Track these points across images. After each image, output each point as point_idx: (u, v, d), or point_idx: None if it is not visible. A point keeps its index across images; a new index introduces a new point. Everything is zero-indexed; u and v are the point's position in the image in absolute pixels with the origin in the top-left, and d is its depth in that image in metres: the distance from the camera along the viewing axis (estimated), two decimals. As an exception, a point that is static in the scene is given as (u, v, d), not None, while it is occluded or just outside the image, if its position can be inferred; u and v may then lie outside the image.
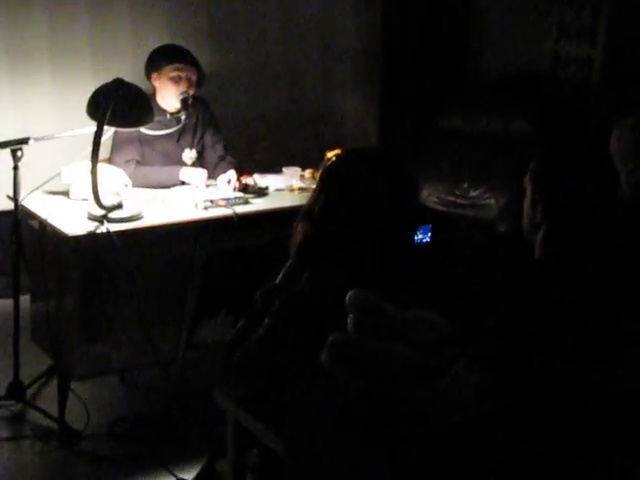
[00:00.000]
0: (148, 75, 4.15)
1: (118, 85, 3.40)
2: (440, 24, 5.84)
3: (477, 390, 1.13)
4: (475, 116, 5.23)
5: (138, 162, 4.05)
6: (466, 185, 5.01)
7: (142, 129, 3.72)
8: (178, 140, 4.18)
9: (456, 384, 1.10)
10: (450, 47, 5.89)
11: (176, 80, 4.05)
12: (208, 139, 4.31)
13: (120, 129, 3.59)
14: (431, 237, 2.71)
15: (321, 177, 2.23)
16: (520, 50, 5.45)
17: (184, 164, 4.16)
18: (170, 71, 4.05)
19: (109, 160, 4.02)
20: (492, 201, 4.86)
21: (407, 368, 1.14)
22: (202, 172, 4.06)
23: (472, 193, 4.98)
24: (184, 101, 4.03)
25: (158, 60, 4.11)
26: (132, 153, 4.04)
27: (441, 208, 5.00)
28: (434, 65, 5.84)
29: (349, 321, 1.44)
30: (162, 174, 4.04)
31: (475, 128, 5.19)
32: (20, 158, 3.46)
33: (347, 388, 1.36)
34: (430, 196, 5.09)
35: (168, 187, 3.95)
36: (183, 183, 4.02)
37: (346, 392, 1.35)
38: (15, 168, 3.46)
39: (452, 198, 5.04)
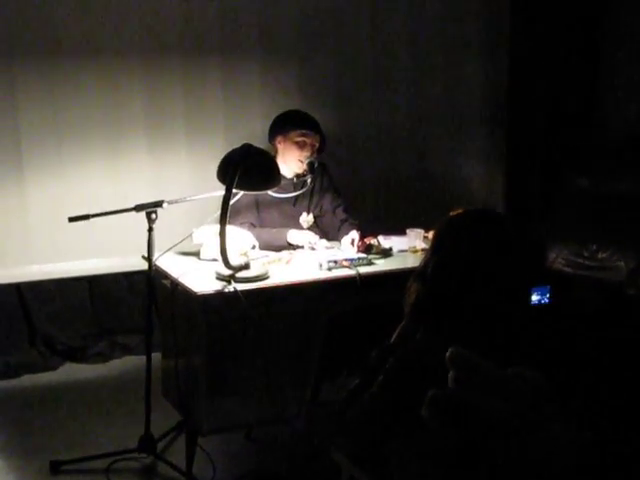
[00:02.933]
0: (272, 138, 4.27)
1: (246, 150, 3.51)
2: (569, 80, 5.80)
3: (575, 447, 1.14)
4: (604, 177, 5.16)
5: (252, 225, 4.14)
6: (594, 247, 4.92)
7: (269, 192, 3.83)
8: (294, 204, 4.28)
9: (553, 443, 1.11)
10: (579, 104, 5.83)
11: (301, 145, 4.16)
12: (327, 203, 4.37)
13: (247, 193, 3.71)
14: (550, 298, 2.68)
15: (434, 237, 2.26)
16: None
17: (301, 227, 4.24)
18: (296, 136, 4.17)
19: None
20: (621, 263, 4.76)
21: (505, 424, 1.16)
22: (310, 234, 4.11)
23: (601, 255, 4.89)
24: (311, 165, 4.14)
25: (285, 124, 4.24)
26: (247, 216, 4.13)
27: (568, 270, 4.92)
28: (562, 124, 5.79)
29: (449, 378, 1.47)
30: (271, 235, 4.10)
31: (604, 189, 5.11)
32: (154, 220, 3.64)
33: (445, 444, 1.38)
34: (557, 257, 5.02)
35: (278, 249, 4.01)
36: (290, 245, 4.08)
37: (444, 448, 1.38)
38: (150, 230, 3.63)
39: (580, 260, 4.96)
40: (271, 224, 4.21)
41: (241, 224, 4.06)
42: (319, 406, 3.56)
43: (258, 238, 3.97)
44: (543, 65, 5.78)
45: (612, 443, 1.25)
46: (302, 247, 4.05)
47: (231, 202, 3.48)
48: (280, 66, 5.30)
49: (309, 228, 4.27)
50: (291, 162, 4.20)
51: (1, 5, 4.61)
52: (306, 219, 4.30)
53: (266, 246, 4.02)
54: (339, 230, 4.27)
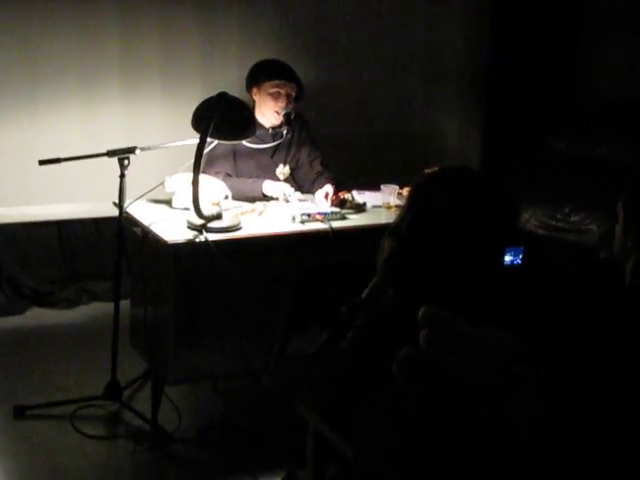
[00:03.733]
0: (248, 89, 4.22)
1: (222, 99, 3.46)
2: (550, 43, 5.77)
3: (542, 411, 1.13)
4: (581, 139, 5.15)
5: (228, 175, 4.10)
6: (568, 209, 4.93)
7: (244, 142, 3.79)
8: (272, 156, 4.24)
9: (523, 403, 1.10)
10: (560, 67, 5.81)
11: (275, 96, 4.10)
12: (304, 156, 4.33)
13: (221, 142, 3.67)
14: (523, 259, 2.67)
15: (409, 194, 2.23)
16: (636, 75, 5.34)
17: (277, 179, 4.21)
18: (270, 87, 4.11)
19: (205, 171, 4.11)
20: (594, 227, 4.77)
21: (475, 384, 1.15)
22: (285, 186, 4.08)
23: (573, 218, 4.90)
24: (287, 116, 4.09)
25: (258, 75, 4.18)
26: (223, 166, 4.09)
27: (541, 232, 4.93)
28: (541, 85, 5.78)
29: (421, 336, 1.46)
30: (246, 186, 4.07)
31: (580, 152, 5.11)
32: (127, 167, 3.59)
33: (415, 401, 1.38)
34: (530, 219, 5.03)
35: (252, 199, 3.98)
36: (265, 196, 4.05)
37: (414, 405, 1.37)
38: (121, 176, 3.59)
39: (553, 222, 4.97)
40: (247, 174, 4.18)
41: (216, 173, 4.02)
42: (287, 359, 3.56)
43: (233, 188, 3.93)
44: (524, 24, 5.75)
45: (581, 410, 1.25)
46: (276, 199, 4.01)
47: (206, 150, 3.44)
48: (258, 13, 5.22)
49: (285, 180, 4.23)
50: (267, 113, 4.15)
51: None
52: (282, 171, 4.26)
53: (241, 196, 3.99)
54: (314, 183, 4.23)
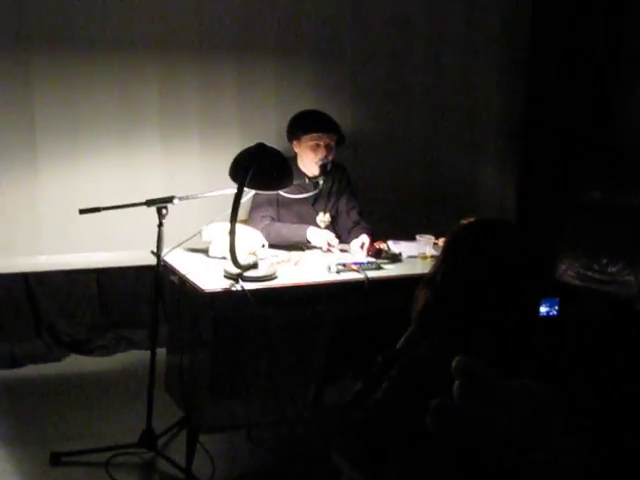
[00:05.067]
0: (289, 141, 4.30)
1: (259, 150, 3.51)
2: (588, 91, 5.79)
3: (577, 461, 1.13)
4: (616, 190, 5.14)
5: (273, 219, 4.18)
6: (605, 261, 4.90)
7: (281, 192, 3.84)
8: (313, 204, 4.30)
9: (556, 455, 1.10)
10: (598, 116, 5.81)
11: (314, 148, 4.17)
12: (343, 205, 4.39)
13: (259, 192, 3.71)
14: (559, 311, 2.67)
15: (445, 245, 2.24)
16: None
17: (318, 227, 4.25)
18: (308, 140, 4.19)
19: (247, 220, 4.17)
20: (632, 278, 4.73)
21: (507, 435, 1.15)
22: (328, 234, 4.13)
23: (611, 269, 4.87)
24: (323, 167, 4.14)
25: (296, 129, 4.26)
26: (268, 210, 4.18)
27: (578, 283, 4.90)
28: (579, 134, 5.78)
29: (454, 387, 1.46)
30: (291, 231, 4.15)
31: (616, 202, 5.09)
32: (165, 216, 3.63)
33: (448, 451, 1.37)
34: (567, 270, 5.00)
35: (297, 244, 4.06)
36: (309, 242, 4.10)
37: (447, 455, 1.36)
38: (160, 225, 3.63)
39: (590, 273, 4.94)
40: (289, 221, 4.25)
41: (262, 217, 4.12)
42: (321, 408, 3.55)
43: (278, 232, 4.00)
44: (561, 79, 5.78)
45: (618, 457, 1.24)
46: (319, 248, 4.07)
47: (246, 198, 3.47)
48: (296, 65, 5.30)
49: (325, 228, 4.28)
50: (308, 164, 4.22)
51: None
52: (323, 219, 4.32)
53: (285, 240, 4.07)
54: (350, 232, 4.27)
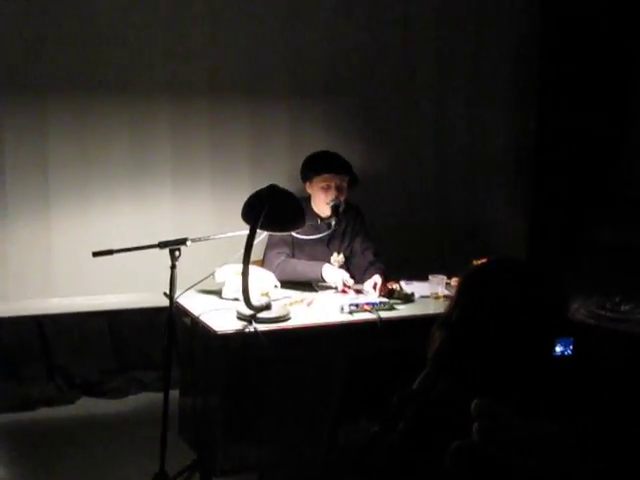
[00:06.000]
0: (302, 182, 4.34)
1: (271, 191, 3.52)
2: (599, 131, 5.78)
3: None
4: (628, 227, 5.14)
5: (288, 255, 4.23)
6: (618, 299, 4.88)
7: (293, 233, 3.86)
8: (327, 244, 4.31)
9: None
10: (609, 156, 5.82)
11: (325, 189, 4.20)
12: (357, 245, 4.42)
13: (271, 233, 3.73)
14: (573, 350, 2.66)
15: (459, 286, 2.24)
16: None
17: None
18: (320, 181, 4.23)
19: (261, 261, 4.18)
20: (646, 315, 4.71)
21: (525, 477, 1.15)
22: (344, 273, 4.14)
23: (624, 307, 4.84)
24: (335, 208, 4.16)
25: (307, 171, 4.31)
26: (284, 248, 4.22)
27: (591, 321, 4.88)
28: (589, 175, 5.78)
29: (474, 429, 1.46)
30: (307, 267, 4.18)
31: (628, 240, 5.09)
32: (177, 258, 3.63)
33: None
34: (580, 308, 4.98)
35: (311, 281, 4.10)
36: (324, 280, 4.13)
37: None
38: (172, 267, 3.62)
39: (602, 312, 4.91)
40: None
41: (278, 254, 4.16)
42: (336, 450, 3.53)
43: (294, 268, 4.03)
44: (571, 115, 5.78)
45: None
46: (333, 287, 4.09)
47: (256, 242, 3.48)
48: (307, 107, 5.35)
49: (339, 267, 4.29)
50: (321, 205, 4.25)
51: (36, 42, 4.70)
52: (337, 259, 4.34)
53: (300, 277, 4.11)
54: (365, 273, 4.29)
